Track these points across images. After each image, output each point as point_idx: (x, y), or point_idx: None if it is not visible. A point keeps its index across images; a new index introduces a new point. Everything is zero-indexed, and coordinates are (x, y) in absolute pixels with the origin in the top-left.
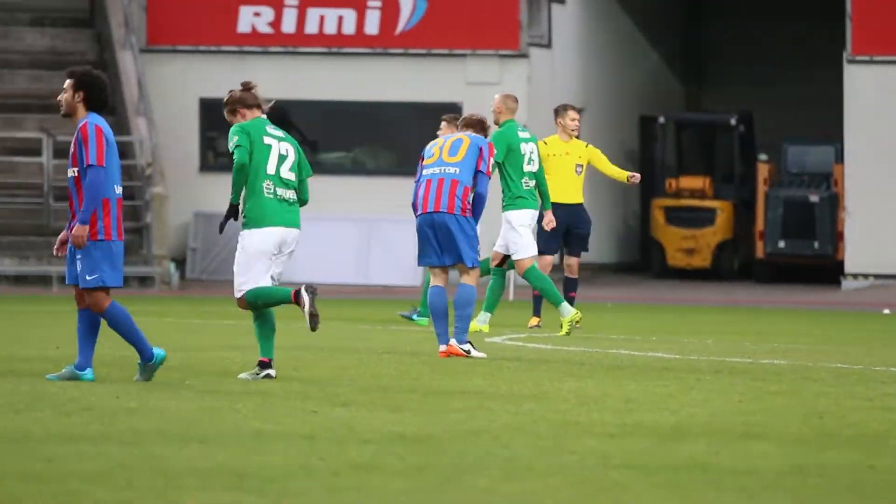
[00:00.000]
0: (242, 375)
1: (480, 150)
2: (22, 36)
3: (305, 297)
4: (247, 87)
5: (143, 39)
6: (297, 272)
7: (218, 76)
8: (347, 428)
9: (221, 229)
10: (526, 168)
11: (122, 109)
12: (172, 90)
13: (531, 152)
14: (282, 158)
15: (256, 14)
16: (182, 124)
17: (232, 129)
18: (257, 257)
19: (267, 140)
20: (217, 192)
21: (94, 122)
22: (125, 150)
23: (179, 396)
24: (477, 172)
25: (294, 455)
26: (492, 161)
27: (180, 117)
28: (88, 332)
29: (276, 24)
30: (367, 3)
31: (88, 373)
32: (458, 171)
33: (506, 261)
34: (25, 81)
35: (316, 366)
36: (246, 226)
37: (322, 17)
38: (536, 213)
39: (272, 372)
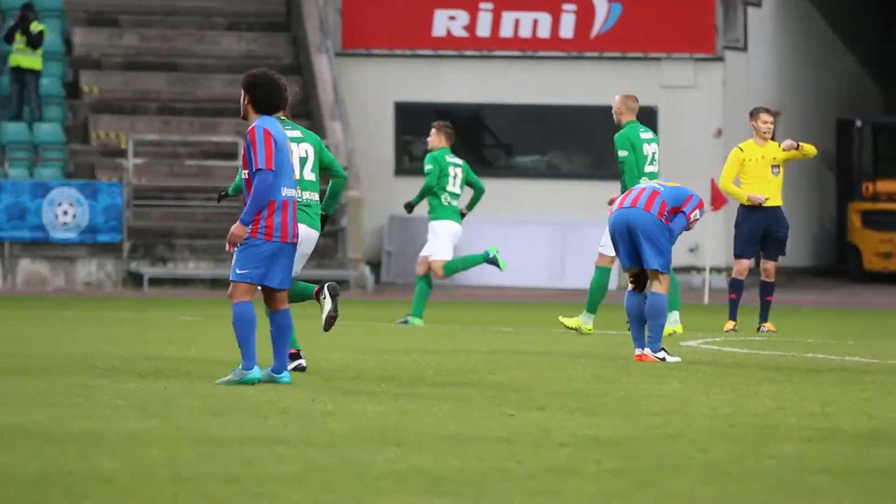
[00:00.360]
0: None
1: (691, 197)
2: (218, 40)
3: (328, 298)
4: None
5: (338, 43)
6: (490, 276)
7: (413, 80)
8: (543, 431)
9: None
10: (647, 168)
11: (317, 113)
12: (367, 94)
13: (654, 153)
14: (302, 161)
15: (451, 18)
16: (377, 128)
17: None
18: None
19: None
20: (412, 195)
21: (262, 125)
22: None
23: (375, 399)
24: (680, 211)
25: (491, 458)
26: (694, 210)
27: (375, 121)
28: (279, 335)
29: (470, 27)
30: (561, 6)
31: (285, 375)
32: (663, 192)
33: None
34: (221, 86)
35: (511, 369)
36: None
37: (517, 21)
38: None
39: (302, 362)
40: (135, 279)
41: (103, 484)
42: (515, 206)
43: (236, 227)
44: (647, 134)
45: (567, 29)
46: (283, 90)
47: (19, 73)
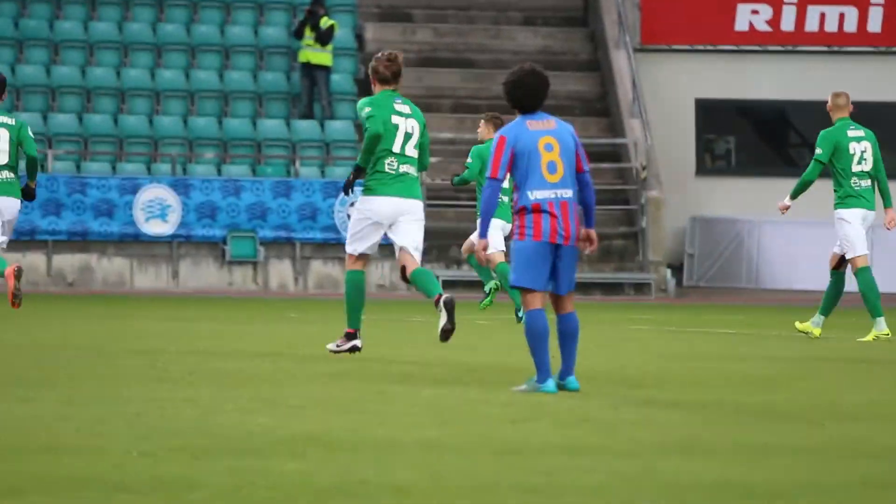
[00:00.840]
0: (329, 346)
1: None
2: (513, 35)
3: (443, 311)
4: (389, 57)
5: (636, 39)
6: (784, 278)
7: (714, 76)
8: (855, 442)
9: (346, 191)
10: (855, 168)
11: (615, 111)
12: (667, 91)
13: (863, 151)
14: (407, 136)
15: (754, 12)
16: (677, 126)
17: (361, 102)
18: (369, 224)
19: (395, 119)
20: (715, 196)
21: (501, 132)
22: (619, 153)
23: (680, 408)
24: None
25: (800, 470)
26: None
27: (675, 119)
28: (566, 339)
29: (774, 22)
30: (869, 0)
31: (572, 381)
32: None
33: (843, 263)
34: None
35: (818, 378)
36: (365, 193)
37: (822, 15)
38: (868, 212)
39: (358, 343)
40: None
41: (398, 494)
42: (820, 206)
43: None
44: (856, 132)
45: (875, 23)
46: (398, 65)
47: (309, 69)
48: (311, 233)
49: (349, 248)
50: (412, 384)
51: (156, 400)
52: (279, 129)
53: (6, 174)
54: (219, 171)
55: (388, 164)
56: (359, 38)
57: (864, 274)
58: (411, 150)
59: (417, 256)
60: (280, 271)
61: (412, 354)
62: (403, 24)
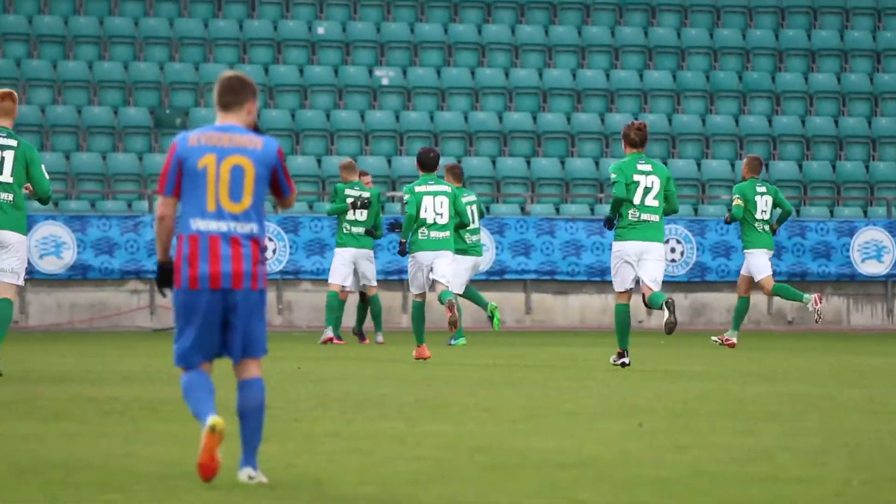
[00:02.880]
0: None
1: None
2: None
3: (666, 309)
4: (637, 126)
5: None
6: None
7: None
8: None
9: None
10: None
11: None
12: None
13: None
14: (647, 190)
15: None
16: None
17: (611, 167)
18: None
19: (636, 177)
20: None
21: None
22: None
23: None
24: None
25: None
26: None
27: None
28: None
29: None
30: None
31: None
32: None
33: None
34: None
35: None
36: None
37: None
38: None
39: (627, 360)
40: None
41: None
42: None
43: None
44: None
45: None
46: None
47: None
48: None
49: (615, 287)
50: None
51: (874, 431)
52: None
53: None
54: None
55: (631, 213)
56: None
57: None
58: (651, 201)
59: (656, 287)
60: None
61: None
62: None
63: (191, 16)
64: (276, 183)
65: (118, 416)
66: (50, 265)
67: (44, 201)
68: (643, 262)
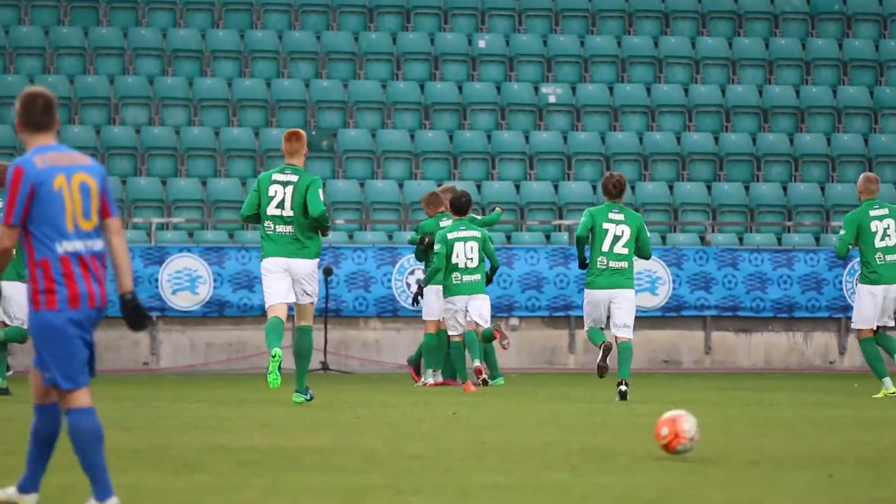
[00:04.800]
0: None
1: None
2: None
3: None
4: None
5: None
6: None
7: None
8: None
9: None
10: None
11: None
12: None
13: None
14: (616, 238)
15: None
16: None
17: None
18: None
19: (606, 224)
20: None
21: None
22: None
23: None
24: None
25: None
26: None
27: None
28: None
29: None
30: None
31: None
32: None
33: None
34: None
35: None
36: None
37: None
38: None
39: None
40: None
41: None
42: None
43: None
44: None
45: None
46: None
47: None
48: None
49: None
50: None
51: None
52: None
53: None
54: None
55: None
56: None
57: (863, 343)
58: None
59: (626, 332)
60: None
61: None
62: None
63: (340, 28)
64: (105, 200)
65: (255, 466)
66: (184, 301)
67: (322, 227)
68: (613, 307)
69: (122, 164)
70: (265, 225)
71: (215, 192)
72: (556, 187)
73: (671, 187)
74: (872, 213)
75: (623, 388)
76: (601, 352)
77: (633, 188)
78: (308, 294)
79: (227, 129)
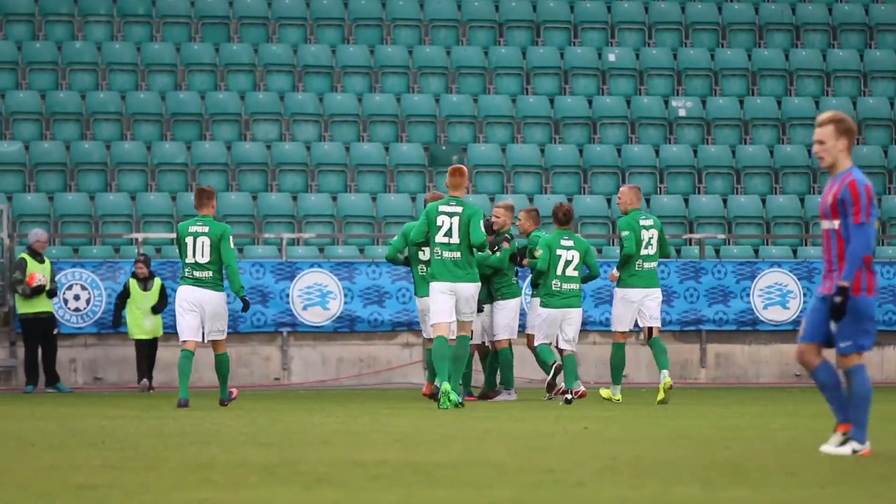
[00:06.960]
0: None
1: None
2: None
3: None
4: (565, 209)
5: None
6: None
7: None
8: None
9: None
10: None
11: None
12: None
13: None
14: (567, 263)
15: None
16: None
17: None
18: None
19: (559, 251)
20: None
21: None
22: None
23: None
24: None
25: None
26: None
27: None
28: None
29: None
30: None
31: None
32: None
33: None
34: None
35: None
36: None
37: None
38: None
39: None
40: None
41: None
42: None
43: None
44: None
45: None
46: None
47: None
48: None
49: (537, 337)
50: None
51: None
52: None
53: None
54: None
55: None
56: None
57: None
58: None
59: (571, 346)
60: None
61: None
62: None
63: (469, 44)
64: None
65: (387, 480)
66: (315, 316)
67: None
68: (563, 324)
69: (252, 179)
70: (434, 251)
71: (345, 208)
72: (686, 202)
73: (802, 200)
74: None
75: (569, 396)
76: (552, 371)
77: (762, 201)
78: (468, 314)
79: (357, 143)
